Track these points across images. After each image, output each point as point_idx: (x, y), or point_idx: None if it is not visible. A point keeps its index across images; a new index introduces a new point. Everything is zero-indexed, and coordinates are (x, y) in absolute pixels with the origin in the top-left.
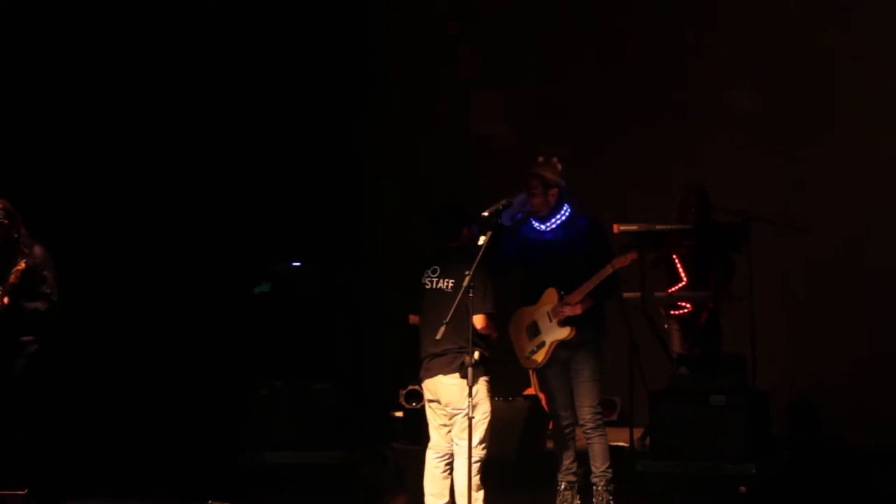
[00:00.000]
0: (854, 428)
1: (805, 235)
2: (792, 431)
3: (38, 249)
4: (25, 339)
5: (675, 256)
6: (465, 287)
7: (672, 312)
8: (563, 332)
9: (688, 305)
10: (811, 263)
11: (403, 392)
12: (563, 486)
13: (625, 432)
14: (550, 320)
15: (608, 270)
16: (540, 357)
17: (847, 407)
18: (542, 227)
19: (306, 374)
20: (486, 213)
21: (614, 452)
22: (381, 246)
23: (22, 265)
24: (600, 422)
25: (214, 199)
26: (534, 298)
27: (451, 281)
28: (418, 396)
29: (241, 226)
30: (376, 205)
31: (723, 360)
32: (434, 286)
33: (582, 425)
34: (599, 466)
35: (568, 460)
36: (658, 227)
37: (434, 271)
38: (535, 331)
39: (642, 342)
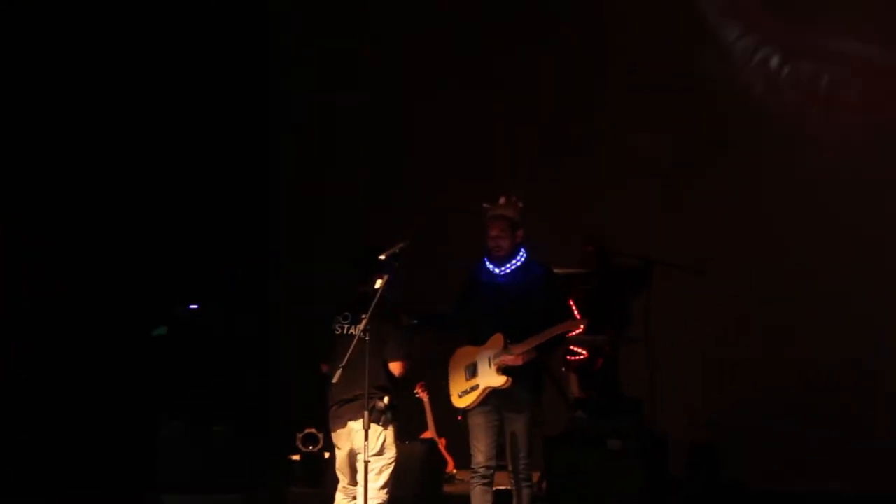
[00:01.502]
0: (751, 471)
1: (702, 275)
2: (690, 474)
3: None
4: None
5: (571, 301)
6: (362, 330)
7: (568, 359)
8: (499, 381)
9: (584, 352)
10: (709, 306)
11: (300, 435)
12: None
13: None
14: (490, 366)
15: (561, 329)
16: (470, 400)
17: (744, 450)
18: (497, 270)
19: (206, 416)
20: (383, 256)
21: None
22: (285, 287)
23: None
24: (529, 472)
25: (114, 241)
26: (480, 340)
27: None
28: (315, 440)
29: (139, 268)
30: (283, 246)
31: (620, 404)
32: (345, 332)
33: (513, 472)
34: None
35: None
36: (555, 270)
37: (345, 317)
38: (472, 372)
39: None
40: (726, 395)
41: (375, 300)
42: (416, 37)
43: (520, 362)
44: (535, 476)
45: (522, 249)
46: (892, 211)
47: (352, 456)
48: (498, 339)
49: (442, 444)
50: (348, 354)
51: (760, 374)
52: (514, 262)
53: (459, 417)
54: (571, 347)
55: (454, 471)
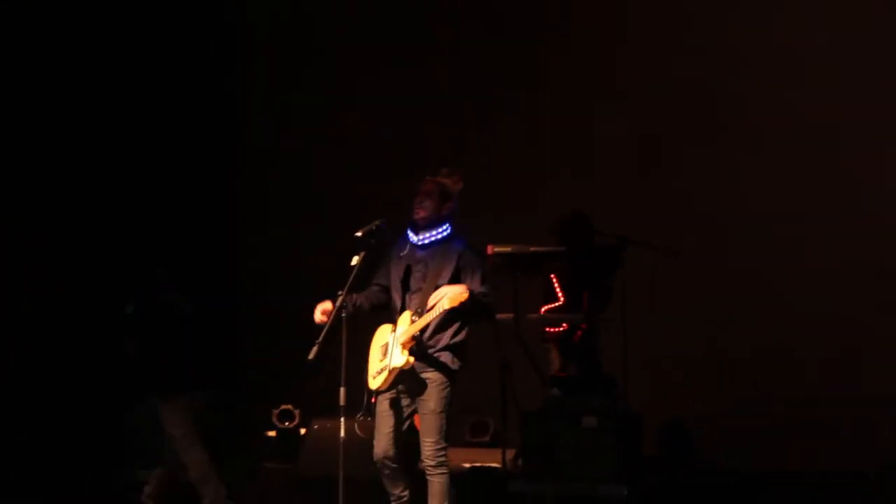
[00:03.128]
0: (725, 451)
1: (676, 259)
2: (663, 454)
3: None
4: None
5: (552, 276)
6: (338, 307)
7: (548, 329)
8: (401, 361)
9: (563, 325)
10: (685, 287)
11: (276, 412)
12: None
13: (497, 453)
14: (397, 346)
15: (443, 307)
16: (381, 381)
17: (718, 431)
18: (416, 238)
19: (178, 393)
20: (359, 234)
21: (487, 473)
22: (258, 262)
23: None
24: (442, 459)
25: (83, 222)
26: (394, 318)
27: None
28: (291, 416)
29: (107, 242)
30: (252, 218)
31: (595, 382)
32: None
33: (421, 463)
34: None
35: (398, 489)
36: (532, 248)
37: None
38: (384, 353)
39: (516, 364)
40: (700, 377)
41: (352, 275)
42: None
43: (411, 341)
44: (511, 453)
45: (448, 224)
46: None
47: None
48: (406, 317)
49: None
50: (324, 331)
51: (734, 356)
52: (435, 232)
53: (374, 399)
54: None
55: None
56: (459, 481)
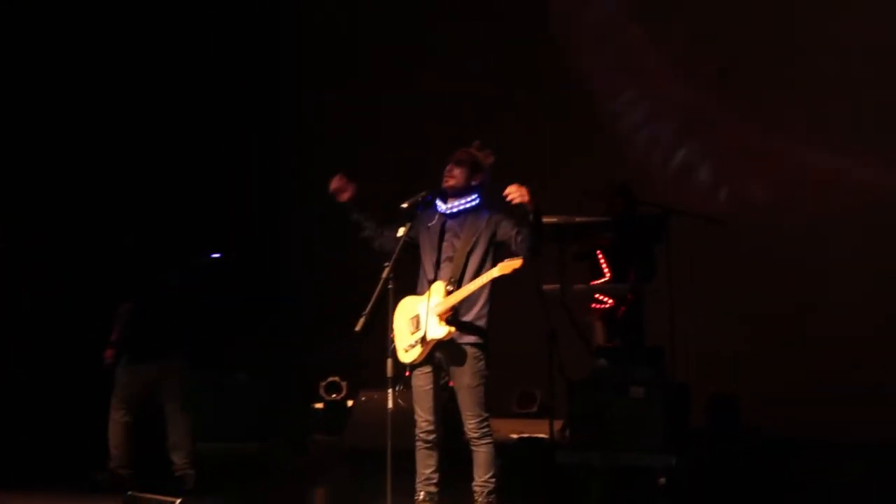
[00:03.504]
0: (771, 420)
1: (724, 227)
2: (710, 423)
3: None
4: None
5: (598, 252)
6: (384, 279)
7: (593, 307)
8: (443, 332)
9: (609, 301)
10: (731, 257)
11: (323, 384)
12: (421, 497)
13: (544, 424)
14: (433, 316)
15: (492, 275)
16: (415, 354)
17: (765, 399)
18: (445, 207)
19: (225, 365)
20: (405, 205)
21: (534, 444)
22: (302, 234)
23: None
24: (486, 430)
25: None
26: (423, 288)
27: None
28: (338, 388)
29: (156, 217)
30: (296, 192)
31: (642, 353)
32: None
33: (466, 435)
34: (482, 476)
35: (428, 470)
36: (578, 219)
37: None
38: (416, 325)
39: (562, 335)
40: (748, 345)
41: (399, 247)
42: None
43: (449, 312)
44: (558, 424)
45: (478, 195)
46: None
47: None
48: (439, 286)
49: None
50: (371, 303)
51: (781, 325)
52: (464, 200)
53: (407, 373)
54: (596, 296)
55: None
56: (507, 452)
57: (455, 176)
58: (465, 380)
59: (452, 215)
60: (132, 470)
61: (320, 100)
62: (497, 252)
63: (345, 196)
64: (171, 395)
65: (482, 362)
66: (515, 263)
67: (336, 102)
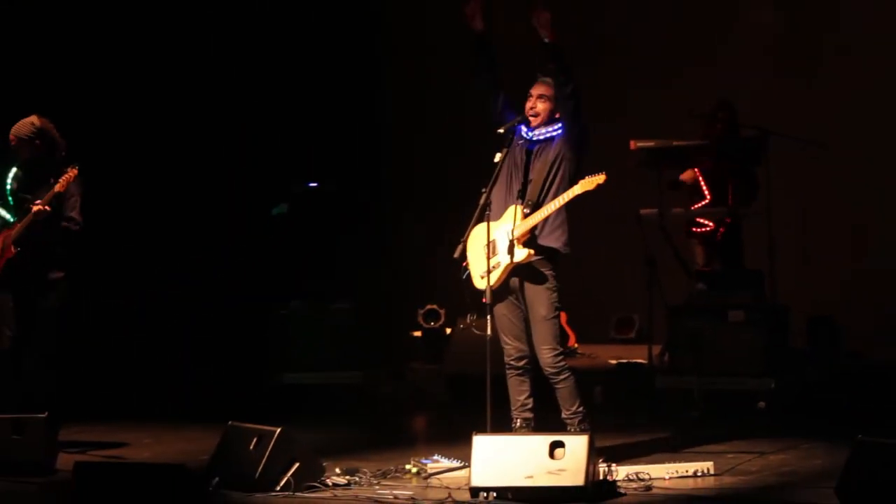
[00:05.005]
0: (873, 343)
1: (826, 150)
2: (811, 346)
3: (72, 171)
4: (55, 276)
5: (699, 175)
6: (482, 205)
7: (693, 230)
8: (521, 255)
9: (709, 224)
10: (831, 180)
11: (422, 311)
12: (517, 424)
13: (643, 349)
14: (509, 240)
15: (574, 192)
16: (493, 279)
17: (866, 322)
18: (529, 133)
19: (325, 295)
20: (501, 130)
21: (633, 369)
22: (400, 165)
23: (73, 172)
24: (562, 364)
25: (231, 123)
26: (497, 214)
27: None
28: (437, 316)
29: (258, 148)
30: (395, 123)
31: (741, 276)
32: None
33: (543, 371)
34: (569, 409)
35: (522, 396)
36: (675, 142)
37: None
38: (492, 250)
39: (661, 259)
40: (848, 268)
41: (496, 172)
42: None
43: (527, 233)
44: (657, 349)
45: (562, 124)
46: None
47: None
48: (514, 211)
49: (563, 318)
50: (469, 230)
51: (884, 247)
52: (550, 129)
53: (484, 300)
54: (696, 219)
55: (576, 345)
56: (606, 378)
57: (540, 112)
58: (540, 311)
59: (535, 141)
60: None
61: (421, 36)
62: (576, 176)
63: (478, 23)
64: None
65: (555, 294)
66: (599, 178)
67: (438, 36)
